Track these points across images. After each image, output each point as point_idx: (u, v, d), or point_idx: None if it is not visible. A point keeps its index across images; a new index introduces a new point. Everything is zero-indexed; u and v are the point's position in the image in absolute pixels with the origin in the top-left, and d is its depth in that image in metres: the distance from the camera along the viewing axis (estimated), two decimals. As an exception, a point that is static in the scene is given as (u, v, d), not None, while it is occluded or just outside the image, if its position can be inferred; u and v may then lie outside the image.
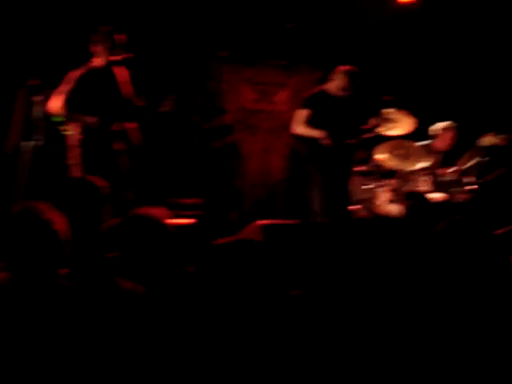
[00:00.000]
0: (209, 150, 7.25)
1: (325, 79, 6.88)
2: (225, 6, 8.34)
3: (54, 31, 7.90)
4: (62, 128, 6.55)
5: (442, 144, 6.78)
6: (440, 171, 6.59)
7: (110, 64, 5.77)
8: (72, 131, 5.84)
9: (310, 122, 6.30)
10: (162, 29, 8.22)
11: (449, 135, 6.77)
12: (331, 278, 3.77)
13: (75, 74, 5.77)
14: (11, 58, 7.76)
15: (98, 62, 5.80)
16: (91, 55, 5.84)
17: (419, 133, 6.69)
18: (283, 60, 7.86)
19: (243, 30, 8.43)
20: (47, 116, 6.51)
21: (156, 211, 3.02)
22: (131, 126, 6.47)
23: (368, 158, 6.53)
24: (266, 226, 4.87)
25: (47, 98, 6.25)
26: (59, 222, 2.59)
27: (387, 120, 6.40)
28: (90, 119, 5.68)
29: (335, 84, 6.45)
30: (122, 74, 5.86)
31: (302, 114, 6.36)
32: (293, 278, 2.53)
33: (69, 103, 5.70)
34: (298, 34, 8.61)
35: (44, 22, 7.83)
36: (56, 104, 5.75)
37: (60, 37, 7.97)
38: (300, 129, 6.37)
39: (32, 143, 6.77)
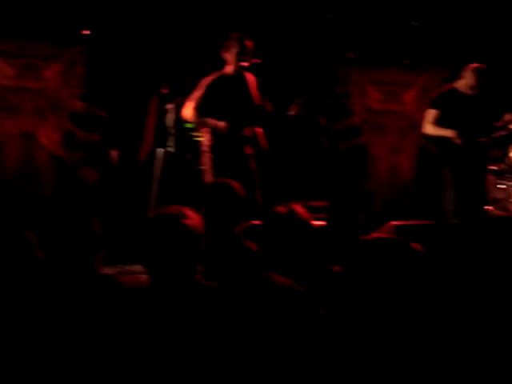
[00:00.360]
0: (337, 152, 7.23)
1: (453, 77, 6.73)
2: (349, 7, 8.31)
3: (185, 39, 8.12)
4: (194, 134, 6.74)
5: None
6: None
7: (240, 70, 5.88)
8: (203, 137, 6.00)
9: (441, 122, 6.17)
10: (289, 33, 8.29)
11: None
12: (468, 280, 3.66)
13: (206, 80, 5.93)
14: (143, 66, 8.05)
15: (228, 68, 5.92)
16: (222, 62, 5.97)
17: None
18: (410, 59, 7.73)
19: (369, 31, 8.37)
20: (179, 123, 6.70)
21: (299, 209, 3.04)
22: (260, 130, 6.57)
23: (502, 157, 6.32)
24: (399, 226, 4.80)
25: (179, 105, 6.45)
26: (196, 223, 2.63)
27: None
28: (221, 124, 5.81)
29: (465, 82, 6.29)
30: (251, 79, 5.97)
31: (432, 113, 6.24)
32: (434, 279, 2.47)
33: (200, 109, 5.85)
34: (424, 33, 8.46)
35: (175, 31, 8.07)
36: (188, 110, 5.92)
37: (191, 44, 8.20)
38: (430, 129, 6.25)
39: (165, 150, 7.00)
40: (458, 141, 6.01)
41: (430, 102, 6.41)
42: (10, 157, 6.54)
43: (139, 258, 2.72)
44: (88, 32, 6.68)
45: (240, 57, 5.82)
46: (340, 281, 2.33)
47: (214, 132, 5.86)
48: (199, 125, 6.19)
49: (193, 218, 2.62)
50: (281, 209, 3.06)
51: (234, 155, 5.85)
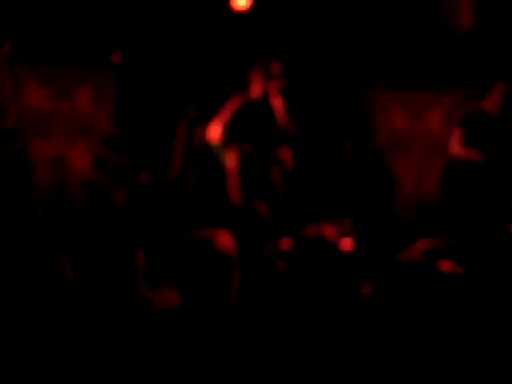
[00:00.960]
0: (362, 172, 7.27)
1: (478, 98, 6.76)
2: (373, 30, 8.38)
3: (214, 63, 8.23)
4: (221, 156, 6.83)
5: None
6: None
7: (267, 93, 5.98)
8: (230, 159, 6.08)
9: (467, 142, 6.21)
10: (315, 56, 8.37)
11: None
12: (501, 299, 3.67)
13: (233, 103, 6.04)
14: (172, 89, 8.16)
15: (255, 91, 6.02)
16: (249, 85, 6.07)
17: None
18: (434, 81, 7.77)
19: (393, 53, 8.42)
20: (207, 144, 6.81)
21: (329, 231, 3.07)
22: (286, 152, 6.65)
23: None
24: (427, 246, 4.81)
25: (207, 127, 6.56)
26: (230, 247, 2.67)
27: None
28: (247, 146, 5.89)
29: (491, 103, 6.32)
30: (277, 102, 6.07)
31: (458, 133, 6.29)
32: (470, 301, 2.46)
33: (226, 131, 5.94)
34: (448, 54, 8.49)
35: (203, 54, 8.18)
36: (214, 132, 6.02)
37: (219, 68, 8.30)
38: (456, 148, 6.29)
39: (194, 171, 7.09)
40: (482, 162, 6.05)
41: (457, 122, 6.46)
42: (41, 180, 6.67)
43: (171, 280, 2.75)
44: (118, 56, 6.80)
45: (267, 81, 5.92)
46: (373, 305, 2.36)
47: (240, 154, 5.96)
48: (225, 147, 6.29)
49: (227, 242, 2.67)
50: (311, 230, 3.10)
51: (261, 177, 5.93)
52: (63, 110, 6.68)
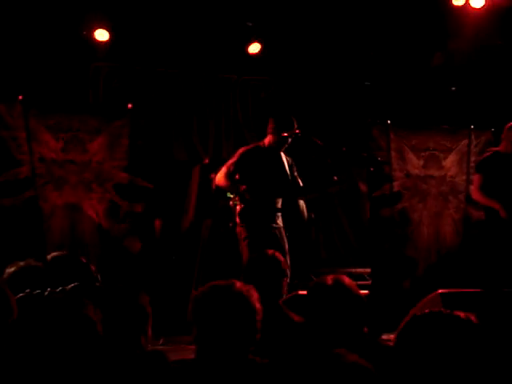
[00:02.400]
0: (378, 218, 7.21)
1: (496, 141, 6.72)
2: (386, 74, 8.41)
3: (228, 113, 8.29)
4: (236, 203, 6.79)
5: None
6: None
7: (277, 147, 5.99)
8: (236, 204, 6.04)
9: (487, 186, 6.13)
10: (328, 101, 8.41)
11: None
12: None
13: (242, 149, 6.02)
14: (186, 138, 8.20)
15: (266, 141, 6.03)
16: (263, 134, 6.10)
17: None
18: (449, 124, 7.76)
19: (407, 97, 8.44)
20: (220, 192, 6.78)
21: (346, 280, 3.00)
22: (301, 201, 6.61)
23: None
24: (446, 294, 4.72)
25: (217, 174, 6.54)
26: (253, 297, 2.62)
27: None
28: (250, 193, 5.83)
29: (505, 144, 6.27)
30: (284, 159, 6.06)
31: (477, 178, 6.23)
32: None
33: (230, 175, 5.90)
34: (462, 97, 8.49)
35: (219, 105, 8.24)
36: (220, 176, 5.98)
37: (232, 118, 8.36)
38: (477, 195, 6.22)
39: (208, 219, 7.07)
40: (503, 213, 5.95)
41: (476, 166, 6.40)
42: (55, 227, 6.66)
43: (186, 330, 2.69)
44: (131, 106, 6.84)
45: (280, 132, 5.93)
46: (393, 356, 2.27)
47: (243, 199, 5.92)
48: (230, 190, 6.27)
49: (249, 291, 2.60)
50: (328, 279, 3.02)
51: (264, 226, 5.89)
52: (77, 159, 6.70)
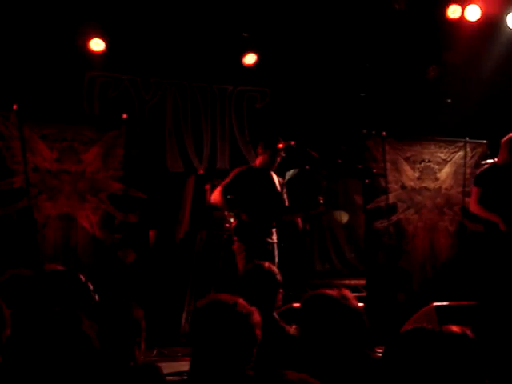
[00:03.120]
0: (373, 230, 7.19)
1: (491, 153, 6.74)
2: (381, 85, 8.42)
3: (223, 127, 8.30)
4: (230, 214, 6.82)
5: None
6: None
7: (268, 168, 6.12)
8: (232, 221, 6.19)
9: (486, 199, 6.14)
10: (323, 113, 8.42)
11: None
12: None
13: (237, 170, 6.18)
14: (179, 148, 8.20)
15: (257, 162, 6.24)
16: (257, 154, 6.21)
17: None
18: (444, 136, 7.76)
19: (402, 108, 8.45)
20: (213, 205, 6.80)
21: (347, 292, 2.96)
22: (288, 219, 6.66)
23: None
24: (440, 307, 4.70)
25: (214, 186, 6.60)
26: (252, 314, 2.60)
27: None
28: (244, 212, 5.94)
29: (502, 156, 6.27)
30: (275, 179, 6.16)
31: (476, 191, 6.24)
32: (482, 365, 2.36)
33: (225, 194, 6.07)
34: (457, 109, 8.51)
35: (212, 117, 8.25)
36: (215, 195, 6.15)
37: (226, 128, 8.36)
38: (476, 208, 6.24)
39: (202, 230, 7.05)
40: (503, 227, 5.95)
41: (474, 179, 6.40)
42: (49, 238, 6.62)
43: (180, 341, 2.68)
44: (126, 116, 6.83)
45: (271, 157, 6.10)
46: (384, 371, 2.27)
47: (238, 216, 6.14)
48: (225, 209, 6.39)
49: (252, 315, 2.58)
50: (332, 292, 2.97)
51: (258, 241, 6.01)
52: (71, 169, 6.68)
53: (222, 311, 2.53)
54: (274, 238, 6.16)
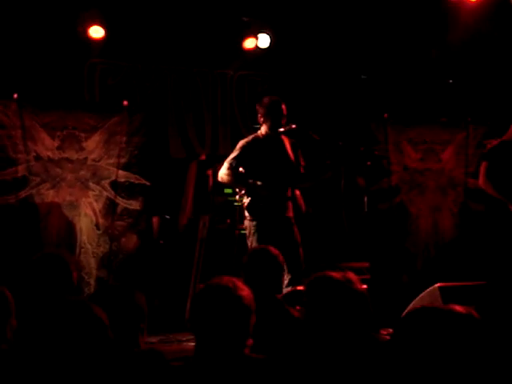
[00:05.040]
0: (376, 212, 7.19)
1: (493, 133, 6.71)
2: (384, 67, 8.39)
3: (223, 106, 8.27)
4: (234, 199, 6.77)
5: None
6: None
7: (275, 133, 5.88)
8: (242, 200, 5.96)
9: (495, 175, 6.08)
10: (325, 95, 8.39)
11: None
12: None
13: (242, 142, 5.95)
14: (182, 134, 8.18)
15: (263, 130, 5.95)
16: (258, 125, 6.03)
17: None
18: (447, 117, 7.74)
19: (404, 90, 8.42)
20: (219, 188, 6.75)
21: (351, 275, 2.95)
22: (298, 192, 6.54)
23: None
24: (445, 288, 4.70)
25: (216, 171, 6.50)
26: (248, 295, 2.61)
27: None
28: (258, 185, 5.73)
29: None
30: (286, 141, 5.98)
31: (483, 166, 6.17)
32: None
33: (233, 170, 5.82)
34: (460, 90, 8.48)
35: (211, 99, 8.22)
36: (223, 172, 5.87)
37: (227, 110, 8.34)
38: (484, 182, 6.16)
39: (205, 215, 7.05)
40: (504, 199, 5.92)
41: (483, 155, 6.34)
42: (52, 226, 6.64)
43: (185, 327, 2.70)
44: (127, 103, 6.82)
45: (275, 120, 5.84)
46: (390, 351, 2.26)
47: (250, 193, 5.79)
48: (235, 186, 6.18)
49: (244, 290, 2.60)
50: (335, 274, 2.96)
51: (274, 217, 5.79)
52: (72, 157, 6.68)
53: (218, 295, 2.56)
54: (290, 213, 5.87)
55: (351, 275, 2.94)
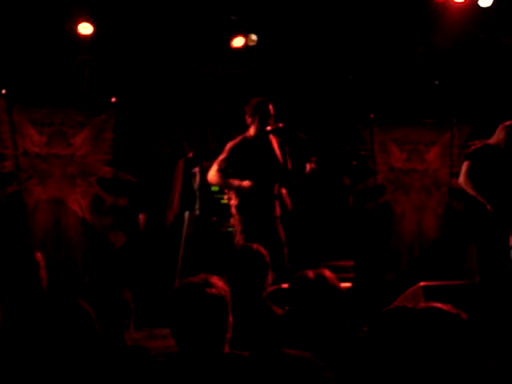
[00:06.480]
0: (362, 211, 7.25)
1: (477, 134, 6.78)
2: (370, 68, 8.44)
3: (211, 105, 8.31)
4: (220, 197, 6.81)
5: None
6: None
7: (263, 133, 5.97)
8: (231, 199, 6.04)
9: (475, 174, 6.17)
10: (311, 95, 8.43)
11: None
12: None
13: (231, 144, 6.03)
14: (169, 131, 8.20)
15: (251, 131, 6.03)
16: (246, 126, 6.09)
17: None
18: (432, 118, 7.80)
19: (390, 91, 8.48)
20: (205, 186, 6.79)
21: (328, 274, 3.02)
22: (284, 191, 6.61)
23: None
24: (428, 287, 4.77)
25: (204, 169, 6.56)
26: (223, 292, 2.61)
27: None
28: (245, 184, 5.83)
29: (497, 138, 6.31)
30: (273, 140, 6.07)
31: (465, 165, 6.25)
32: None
33: (224, 172, 5.92)
34: (445, 91, 8.54)
35: (201, 97, 8.25)
36: (212, 173, 5.99)
37: (215, 110, 8.37)
38: (464, 181, 6.25)
39: (192, 213, 7.08)
40: (489, 207, 5.99)
41: (465, 155, 6.42)
42: (39, 222, 6.65)
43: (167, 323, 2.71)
44: (115, 99, 6.83)
45: (263, 120, 5.92)
46: (369, 349, 2.31)
47: (240, 193, 5.91)
48: (224, 187, 6.27)
49: (219, 287, 2.61)
50: (310, 273, 3.05)
51: (262, 216, 5.88)
52: (60, 153, 6.69)
53: (189, 292, 2.56)
54: (278, 212, 6.02)
55: (327, 273, 3.02)
